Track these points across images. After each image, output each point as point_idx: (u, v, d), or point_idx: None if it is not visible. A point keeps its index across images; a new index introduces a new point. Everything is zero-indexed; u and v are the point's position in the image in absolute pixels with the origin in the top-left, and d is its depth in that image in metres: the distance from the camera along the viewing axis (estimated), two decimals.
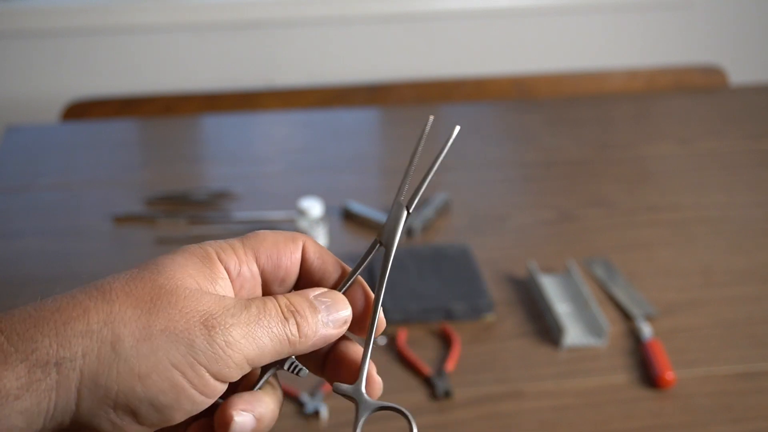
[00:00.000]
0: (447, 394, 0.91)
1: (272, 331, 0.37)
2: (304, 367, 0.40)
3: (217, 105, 1.66)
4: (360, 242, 1.19)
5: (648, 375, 0.95)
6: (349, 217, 1.24)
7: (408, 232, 1.19)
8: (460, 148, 1.48)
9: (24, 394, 0.32)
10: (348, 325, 0.40)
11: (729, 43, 2.30)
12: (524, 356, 0.99)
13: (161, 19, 2.06)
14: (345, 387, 0.40)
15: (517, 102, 1.70)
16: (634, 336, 1.01)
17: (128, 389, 0.33)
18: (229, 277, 0.39)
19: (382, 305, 0.42)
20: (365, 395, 0.40)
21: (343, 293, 0.41)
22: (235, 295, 0.39)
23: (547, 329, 1.02)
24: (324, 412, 0.89)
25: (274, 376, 0.41)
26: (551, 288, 1.07)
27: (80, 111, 1.60)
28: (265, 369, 0.40)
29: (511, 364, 0.98)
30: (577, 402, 0.92)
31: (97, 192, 1.33)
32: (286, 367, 0.40)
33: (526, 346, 1.00)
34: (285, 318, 0.37)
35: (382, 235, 0.43)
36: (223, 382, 0.35)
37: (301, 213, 1.14)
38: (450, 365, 0.95)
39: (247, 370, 0.36)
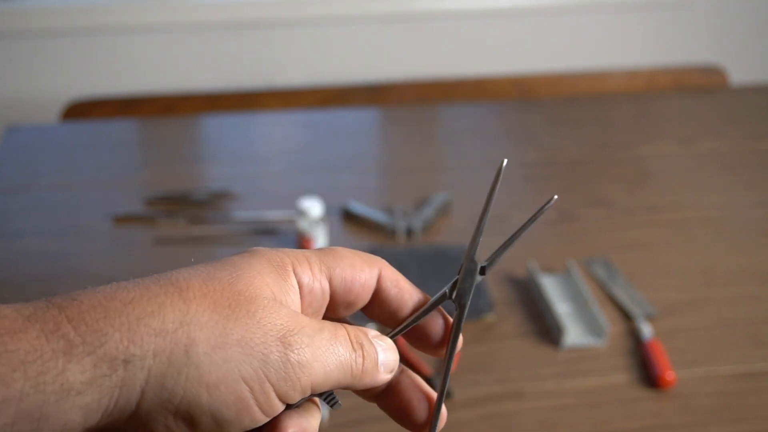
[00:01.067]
0: (447, 394, 0.91)
1: (340, 359, 0.36)
2: (339, 401, 0.39)
3: (217, 105, 1.66)
4: (360, 242, 1.18)
5: (648, 375, 0.95)
6: (349, 217, 1.24)
7: (408, 232, 1.20)
8: (460, 148, 1.48)
9: (87, 390, 0.30)
10: (394, 373, 0.40)
11: (729, 43, 2.30)
12: (524, 356, 0.99)
13: (161, 19, 2.06)
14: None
15: (517, 102, 1.70)
16: (634, 336, 1.01)
17: (194, 397, 0.32)
18: (300, 292, 0.37)
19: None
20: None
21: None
22: (302, 312, 0.38)
23: (547, 329, 1.02)
24: (324, 412, 0.89)
25: None
26: (551, 288, 1.07)
27: (80, 111, 1.60)
28: None
29: (511, 364, 0.98)
30: (577, 402, 0.92)
31: (97, 192, 1.33)
32: (323, 397, 0.38)
33: (526, 346, 1.00)
34: (354, 349, 0.37)
35: (455, 292, 0.41)
36: (284, 403, 0.34)
37: (301, 213, 1.14)
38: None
39: (308, 394, 0.35)
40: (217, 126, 1.59)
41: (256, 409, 0.33)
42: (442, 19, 2.19)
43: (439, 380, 0.93)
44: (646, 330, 1.00)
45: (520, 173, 1.42)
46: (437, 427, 0.40)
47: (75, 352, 0.30)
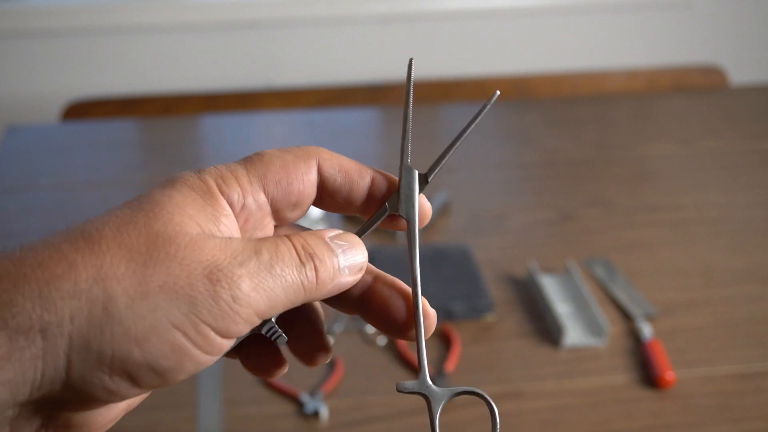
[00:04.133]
0: None
1: (286, 280, 0.33)
2: (283, 334, 0.36)
3: (217, 105, 1.66)
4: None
5: (648, 375, 0.95)
6: (349, 217, 1.24)
7: None
8: (460, 148, 1.47)
9: (6, 365, 0.28)
10: (363, 272, 0.36)
11: (729, 43, 2.30)
12: (524, 356, 0.99)
13: (161, 19, 2.06)
14: (409, 385, 0.37)
15: (517, 102, 1.70)
16: (634, 336, 1.01)
17: (124, 354, 0.30)
18: (233, 212, 0.35)
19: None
20: (433, 387, 0.37)
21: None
22: (240, 229, 0.35)
23: (547, 329, 1.02)
24: (324, 412, 0.89)
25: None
26: (551, 288, 1.07)
27: (80, 111, 1.60)
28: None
29: (511, 364, 0.98)
30: (577, 402, 0.92)
31: (97, 192, 1.33)
32: (264, 330, 0.35)
33: (526, 346, 1.00)
34: (302, 262, 0.33)
35: (397, 206, 0.38)
36: (229, 339, 0.32)
37: None
38: (450, 365, 0.95)
39: (257, 323, 0.32)
40: (217, 126, 1.59)
41: (197, 352, 0.31)
42: (442, 19, 2.19)
43: (440, 380, 0.93)
44: (646, 330, 1.00)
45: (520, 173, 1.42)
46: (421, 325, 0.37)
47: None
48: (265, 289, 0.32)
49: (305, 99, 1.69)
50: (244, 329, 0.32)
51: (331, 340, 0.38)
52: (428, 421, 0.39)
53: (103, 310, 0.29)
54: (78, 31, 2.05)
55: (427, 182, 0.38)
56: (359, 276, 0.36)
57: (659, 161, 1.43)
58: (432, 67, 2.15)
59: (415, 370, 0.95)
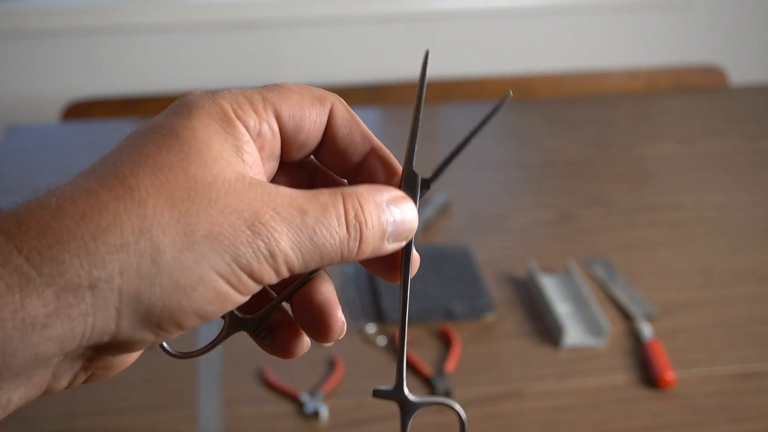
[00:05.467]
0: (447, 394, 0.91)
1: (326, 247, 0.32)
2: (270, 336, 0.36)
3: None
4: None
5: (648, 375, 0.95)
6: None
7: None
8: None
9: (54, 322, 0.28)
10: (403, 242, 0.35)
11: (729, 43, 2.30)
12: (524, 356, 0.99)
13: (161, 19, 2.06)
14: (384, 391, 0.37)
15: (517, 102, 1.69)
16: (634, 336, 1.01)
17: (174, 305, 0.30)
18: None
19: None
20: (409, 395, 0.37)
21: None
22: (261, 160, 0.35)
23: (547, 329, 1.02)
24: (324, 412, 0.89)
25: None
26: (551, 288, 1.07)
27: (80, 111, 1.60)
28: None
29: (511, 364, 0.98)
30: (577, 402, 0.92)
31: None
32: (251, 328, 0.35)
33: (526, 346, 1.00)
34: (348, 232, 0.32)
35: None
36: (261, 285, 0.32)
37: None
38: (450, 365, 0.95)
39: (286, 276, 0.32)
40: None
41: (237, 295, 0.31)
42: (442, 19, 2.19)
43: (439, 380, 0.93)
44: (646, 330, 1.00)
45: (520, 173, 1.42)
46: (405, 335, 0.37)
47: (32, 285, 0.28)
48: (303, 251, 0.31)
49: None
50: (275, 281, 0.32)
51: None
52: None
53: (152, 262, 0.29)
54: (78, 31, 2.05)
55: (429, 188, 0.37)
56: (399, 246, 0.35)
57: (659, 161, 1.43)
58: (432, 67, 2.14)
59: (415, 371, 0.95)
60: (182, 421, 0.89)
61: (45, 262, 0.28)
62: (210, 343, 0.37)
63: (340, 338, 0.36)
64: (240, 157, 0.33)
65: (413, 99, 0.38)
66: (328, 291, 0.36)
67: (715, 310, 1.06)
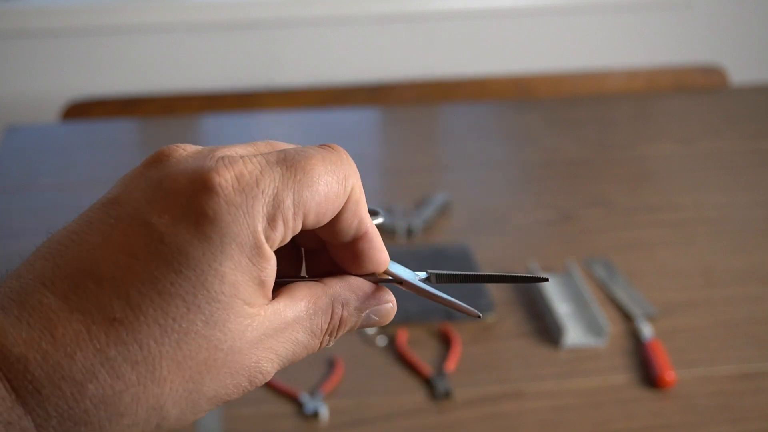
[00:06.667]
0: (447, 395, 0.91)
1: (304, 350, 0.35)
2: None
3: (217, 105, 1.66)
4: None
5: (648, 375, 0.95)
6: None
7: (408, 232, 1.20)
8: (460, 148, 1.48)
9: None
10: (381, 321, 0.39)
11: (729, 43, 2.30)
12: (524, 356, 0.99)
13: (161, 19, 2.06)
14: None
15: (517, 102, 1.70)
16: (634, 336, 1.01)
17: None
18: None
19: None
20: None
21: None
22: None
23: (547, 329, 1.02)
24: (324, 413, 0.89)
25: None
26: (551, 288, 1.07)
27: (80, 111, 1.60)
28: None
29: (511, 364, 0.98)
30: (577, 402, 0.92)
31: (97, 192, 1.32)
32: None
33: (526, 346, 1.00)
34: (330, 336, 0.35)
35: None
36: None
37: None
38: (450, 365, 0.95)
39: None
40: (217, 126, 1.59)
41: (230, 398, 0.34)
42: (442, 19, 2.19)
43: (439, 380, 0.93)
44: (646, 330, 1.00)
45: (520, 173, 1.42)
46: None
47: None
48: (282, 361, 0.34)
49: (305, 99, 1.69)
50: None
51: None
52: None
53: (156, 425, 0.32)
54: (78, 31, 2.05)
55: (428, 278, 0.40)
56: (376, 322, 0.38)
57: (659, 161, 1.43)
58: (432, 67, 2.15)
59: (415, 371, 0.95)
60: None
61: None
62: None
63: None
64: (262, 291, 0.32)
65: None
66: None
67: (715, 310, 1.06)
